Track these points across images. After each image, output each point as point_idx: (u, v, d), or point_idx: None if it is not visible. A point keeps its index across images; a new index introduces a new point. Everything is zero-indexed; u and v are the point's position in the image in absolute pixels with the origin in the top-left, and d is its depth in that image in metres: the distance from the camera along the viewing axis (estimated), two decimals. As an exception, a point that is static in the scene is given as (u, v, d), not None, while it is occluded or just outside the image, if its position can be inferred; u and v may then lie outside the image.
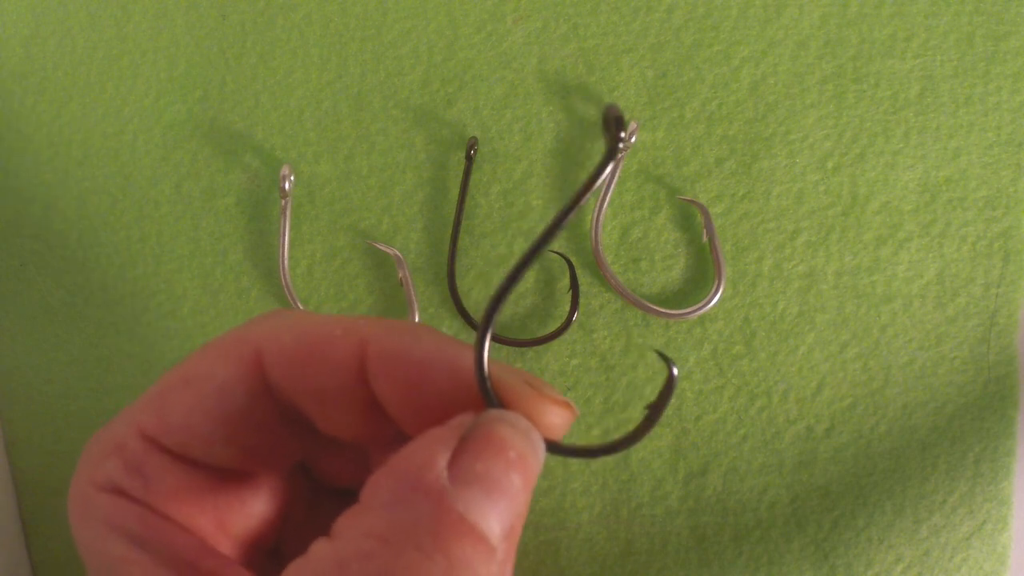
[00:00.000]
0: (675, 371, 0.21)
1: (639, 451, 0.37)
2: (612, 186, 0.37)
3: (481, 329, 0.21)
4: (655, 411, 0.21)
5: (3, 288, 0.40)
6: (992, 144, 0.37)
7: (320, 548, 0.19)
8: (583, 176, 0.38)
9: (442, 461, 0.19)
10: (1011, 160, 0.37)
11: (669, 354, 0.37)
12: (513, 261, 0.21)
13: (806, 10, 0.38)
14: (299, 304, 0.38)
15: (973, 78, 0.37)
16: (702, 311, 0.36)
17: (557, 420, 0.21)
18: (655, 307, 0.36)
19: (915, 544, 0.36)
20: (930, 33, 0.38)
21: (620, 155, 0.19)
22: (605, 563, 0.37)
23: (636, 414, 0.37)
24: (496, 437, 0.20)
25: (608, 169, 0.19)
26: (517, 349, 0.37)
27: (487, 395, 0.21)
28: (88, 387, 0.39)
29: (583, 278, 0.37)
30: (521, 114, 0.39)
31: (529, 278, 0.38)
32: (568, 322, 0.37)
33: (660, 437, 0.37)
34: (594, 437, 0.37)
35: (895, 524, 0.36)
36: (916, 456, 0.36)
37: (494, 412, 0.20)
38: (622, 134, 0.19)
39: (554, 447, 0.21)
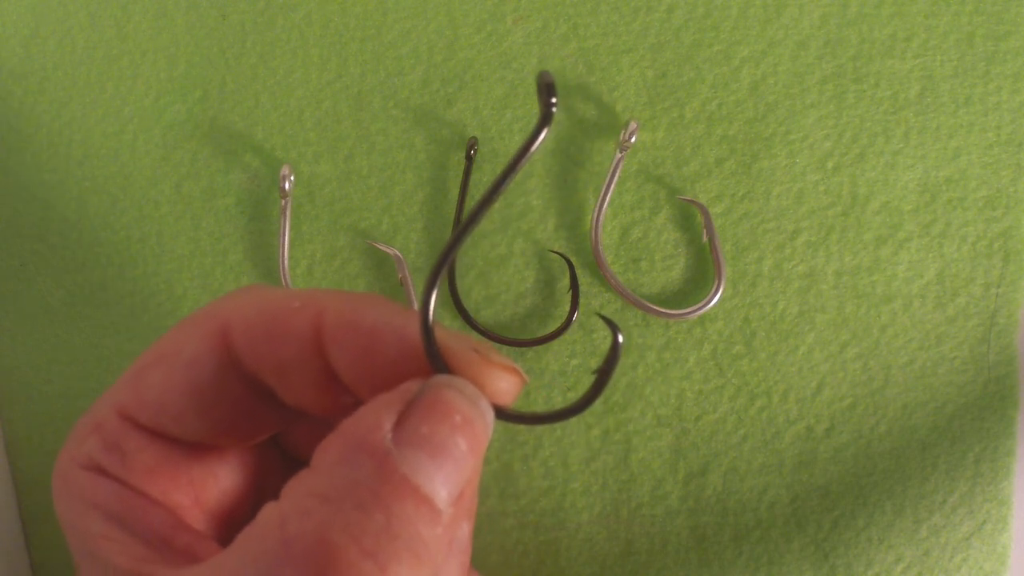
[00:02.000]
0: (620, 337, 0.21)
1: (639, 451, 0.37)
2: (612, 186, 0.37)
3: (425, 294, 0.21)
4: (602, 377, 0.21)
5: (3, 288, 0.41)
6: (992, 144, 0.37)
7: (266, 509, 0.19)
8: (586, 171, 0.38)
9: (387, 424, 0.19)
10: (1011, 160, 0.37)
11: (669, 354, 0.37)
12: (460, 223, 0.21)
13: (806, 10, 0.38)
14: (299, 304, 0.38)
15: (973, 78, 0.37)
16: (702, 311, 0.36)
17: (505, 385, 0.22)
18: (655, 307, 0.36)
19: (915, 544, 0.36)
20: (930, 33, 0.38)
21: (552, 120, 0.19)
22: (605, 563, 0.37)
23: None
24: (442, 401, 0.20)
25: (542, 134, 0.19)
26: (517, 349, 0.37)
27: (434, 361, 0.21)
28: (88, 387, 0.39)
29: (583, 278, 0.37)
30: (521, 114, 0.39)
31: (529, 278, 0.38)
32: (568, 322, 0.37)
33: (660, 437, 0.37)
34: (593, 438, 0.37)
35: (895, 524, 0.36)
36: (916, 456, 0.36)
37: (441, 377, 0.21)
38: (553, 99, 0.19)
39: (502, 413, 0.21)
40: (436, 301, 0.21)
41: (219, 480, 0.25)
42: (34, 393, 0.40)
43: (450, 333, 0.22)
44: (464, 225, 0.20)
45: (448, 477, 0.19)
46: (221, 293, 0.39)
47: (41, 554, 0.40)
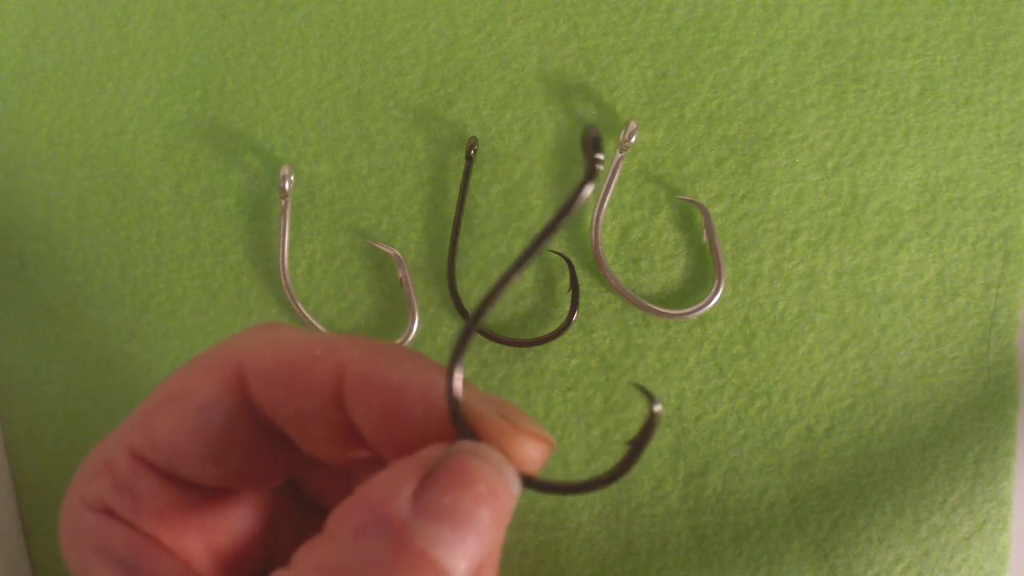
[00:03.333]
0: (657, 408, 0.20)
1: (639, 451, 0.37)
2: (612, 186, 0.37)
3: (452, 360, 0.20)
4: (637, 448, 0.20)
5: (3, 288, 0.40)
6: (992, 144, 0.37)
7: None
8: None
9: (406, 493, 0.18)
10: (1011, 160, 0.37)
11: (669, 354, 0.37)
12: (498, 276, 0.20)
13: (806, 10, 0.38)
14: (299, 304, 0.38)
15: (973, 78, 0.37)
16: (702, 311, 0.36)
17: (533, 454, 0.21)
18: (655, 307, 0.36)
19: (915, 544, 0.36)
20: (930, 33, 0.38)
21: (596, 177, 0.19)
22: (605, 563, 0.37)
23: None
24: (465, 470, 0.19)
25: (587, 191, 0.18)
26: (517, 349, 0.37)
27: (459, 426, 0.20)
28: (88, 387, 0.39)
29: (583, 278, 0.37)
30: (521, 114, 0.39)
31: (529, 278, 0.38)
32: (568, 322, 0.37)
33: (660, 437, 0.37)
34: (593, 438, 0.37)
35: (895, 524, 0.36)
36: (916, 456, 0.36)
37: (465, 444, 0.20)
38: (599, 156, 0.18)
39: (530, 482, 0.20)
40: (463, 367, 0.20)
41: (231, 525, 0.24)
42: (34, 393, 0.40)
43: (478, 396, 0.21)
44: (500, 283, 0.19)
45: (468, 550, 0.18)
46: (221, 293, 0.39)
47: (41, 554, 0.40)
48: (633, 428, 0.37)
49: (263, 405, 0.22)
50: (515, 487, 0.20)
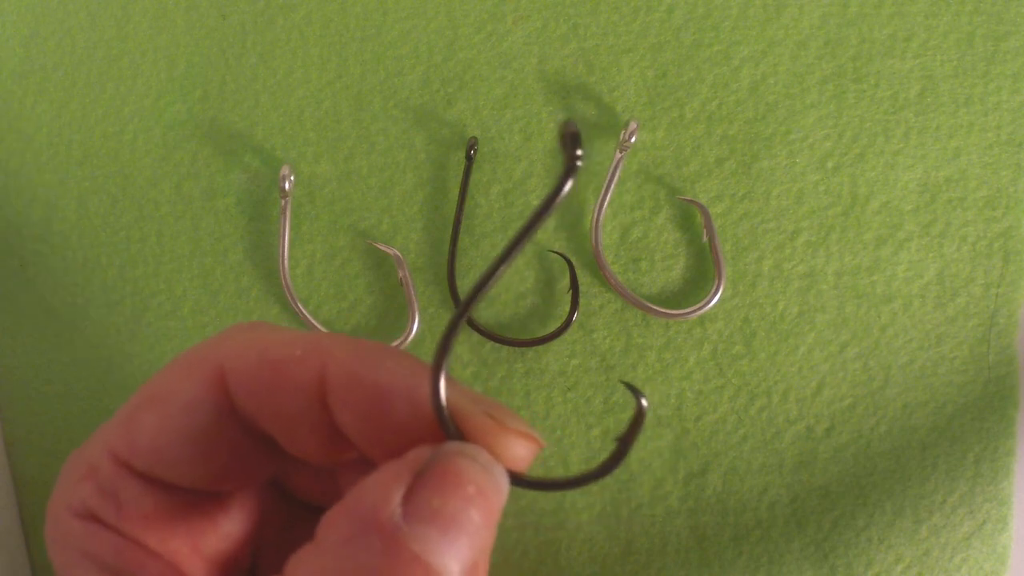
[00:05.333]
0: (644, 403, 0.20)
1: (639, 451, 0.37)
2: (612, 186, 0.37)
3: (436, 360, 0.20)
4: (624, 444, 0.20)
5: (3, 288, 0.41)
6: (992, 144, 0.37)
7: None
8: (586, 171, 0.38)
9: (396, 497, 0.18)
10: (1011, 160, 0.37)
11: (669, 354, 0.37)
12: (481, 273, 0.20)
13: (806, 10, 0.38)
14: (299, 305, 0.38)
15: (973, 78, 0.37)
16: (702, 311, 0.36)
17: (521, 452, 0.21)
18: (655, 307, 0.36)
19: (915, 544, 0.36)
20: (930, 33, 0.38)
21: (577, 173, 0.18)
22: (605, 563, 0.37)
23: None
24: (454, 471, 0.19)
25: (566, 187, 0.18)
26: (517, 349, 0.37)
27: (446, 427, 0.20)
28: (88, 387, 0.39)
29: (583, 278, 0.37)
30: (521, 114, 0.39)
31: (529, 278, 0.38)
32: (568, 322, 0.37)
33: (660, 437, 0.37)
34: (593, 438, 0.37)
35: (895, 524, 0.36)
36: (916, 456, 0.36)
37: (453, 445, 0.20)
38: (579, 151, 0.18)
39: (518, 480, 0.20)
40: (447, 366, 0.20)
41: (218, 526, 0.24)
42: (34, 393, 0.40)
43: (463, 394, 0.21)
44: (481, 283, 0.19)
45: (460, 551, 0.18)
46: (221, 293, 0.39)
47: (41, 554, 0.40)
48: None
49: (245, 406, 0.22)
50: (504, 486, 0.20)
